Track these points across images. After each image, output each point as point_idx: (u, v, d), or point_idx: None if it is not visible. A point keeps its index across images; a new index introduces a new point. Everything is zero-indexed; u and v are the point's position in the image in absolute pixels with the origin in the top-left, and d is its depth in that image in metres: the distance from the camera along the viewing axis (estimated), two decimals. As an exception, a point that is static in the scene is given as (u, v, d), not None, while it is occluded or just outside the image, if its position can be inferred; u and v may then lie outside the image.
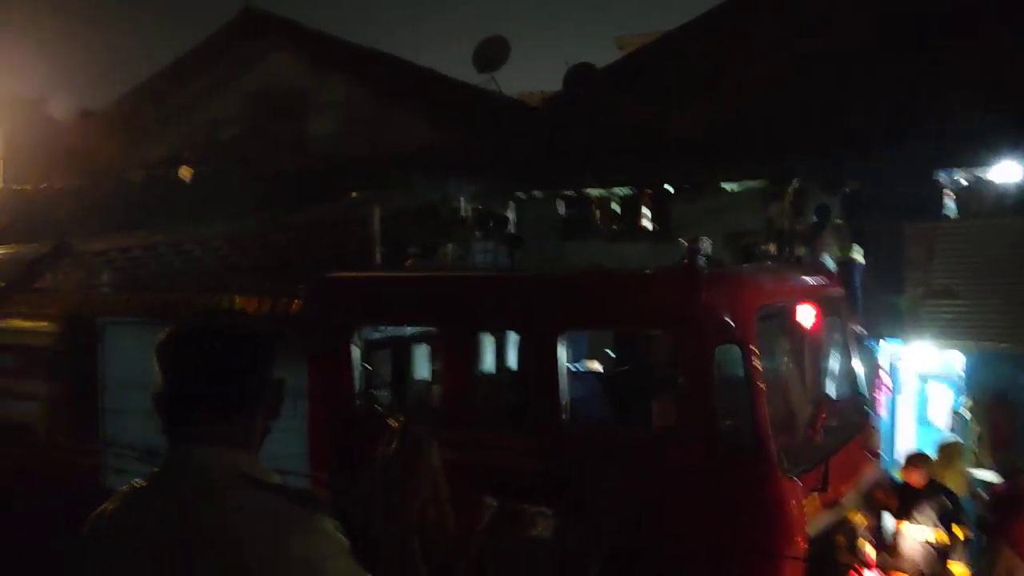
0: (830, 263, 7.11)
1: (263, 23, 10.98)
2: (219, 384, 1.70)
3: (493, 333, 5.92)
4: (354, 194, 7.08)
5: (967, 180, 8.38)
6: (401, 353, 6.26)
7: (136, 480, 1.84)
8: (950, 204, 8.45)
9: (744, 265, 5.59)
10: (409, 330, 6.14)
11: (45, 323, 6.84)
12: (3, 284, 3.48)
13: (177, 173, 9.49)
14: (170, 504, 1.61)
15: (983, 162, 8.00)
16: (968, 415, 7.32)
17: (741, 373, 4.50)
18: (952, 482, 5.56)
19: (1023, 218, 7.72)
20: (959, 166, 8.15)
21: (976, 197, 8.39)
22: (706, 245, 4.82)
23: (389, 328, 5.96)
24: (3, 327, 7.01)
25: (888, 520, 5.16)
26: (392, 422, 1.99)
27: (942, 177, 8.28)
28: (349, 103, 9.58)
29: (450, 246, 6.27)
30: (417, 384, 6.25)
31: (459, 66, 12.97)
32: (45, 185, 11.40)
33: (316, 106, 9.89)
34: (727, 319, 4.40)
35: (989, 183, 8.29)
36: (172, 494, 1.62)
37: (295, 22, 10.91)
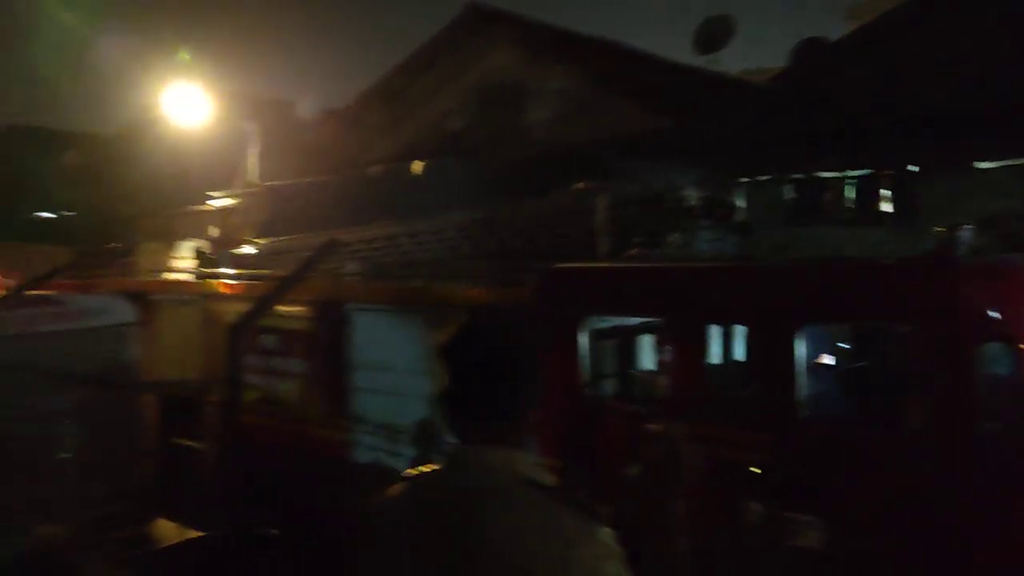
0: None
1: (487, 17, 11.33)
2: (503, 386, 1.79)
3: (723, 324, 5.78)
4: (580, 184, 7.14)
5: None
6: (626, 344, 6.28)
7: (417, 470, 1.97)
8: None
9: (1010, 254, 5.05)
10: (635, 320, 6.14)
11: (302, 308, 7.51)
12: (285, 275, 3.91)
13: (410, 167, 10.03)
14: (457, 501, 1.71)
15: None
16: None
17: (1006, 373, 4.11)
18: None
19: None
20: None
21: None
22: (966, 232, 4.42)
23: (615, 319, 5.99)
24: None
25: None
26: (653, 425, 2.00)
27: None
28: (569, 92, 9.66)
29: (676, 235, 6.15)
30: (642, 375, 6.24)
31: (680, 48, 12.69)
32: (294, 181, 12.43)
33: (537, 96, 10.07)
34: (993, 314, 4.01)
35: None
36: (459, 491, 1.73)
37: (517, 14, 11.16)
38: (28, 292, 6.19)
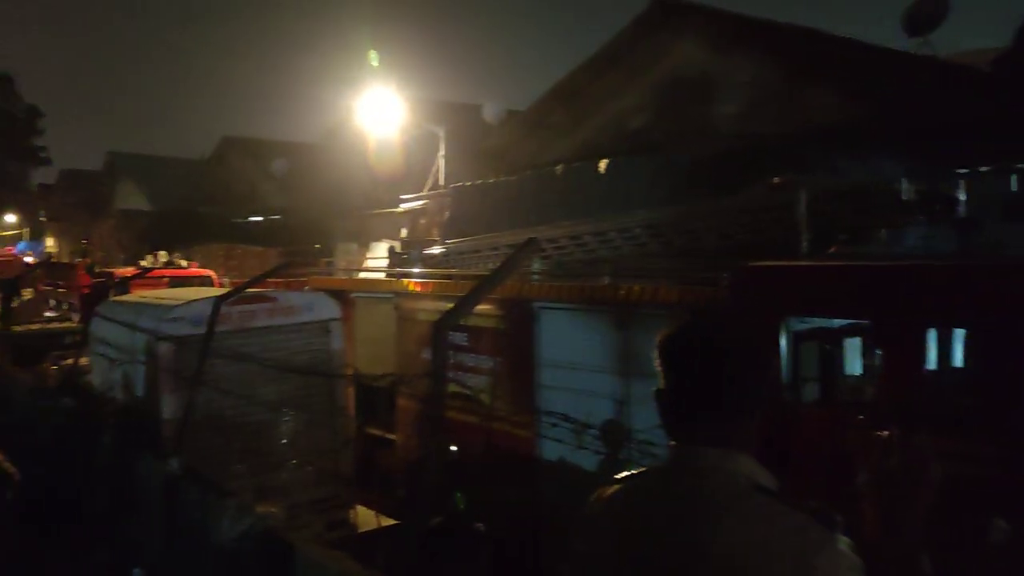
0: None
1: (672, 11, 11.09)
2: (726, 385, 1.70)
3: (942, 327, 5.32)
4: (776, 178, 6.81)
5: None
6: (830, 347, 5.92)
7: (636, 471, 1.91)
8: None
9: None
10: (838, 322, 5.78)
11: (491, 306, 7.67)
12: (486, 274, 4.00)
13: (593, 165, 10.00)
14: (683, 503, 1.64)
15: None
16: None
17: None
18: None
19: None
20: None
21: None
22: None
23: (816, 320, 5.66)
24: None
25: None
26: (883, 433, 1.84)
27: None
28: (762, 82, 9.26)
29: (883, 231, 5.72)
30: (848, 380, 5.86)
31: (884, 32, 11.87)
32: (479, 182, 12.73)
33: (727, 88, 9.73)
34: None
35: None
36: (683, 493, 1.66)
37: (704, 6, 10.84)
38: (247, 290, 6.71)
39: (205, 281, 16.00)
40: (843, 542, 1.56)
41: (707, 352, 1.73)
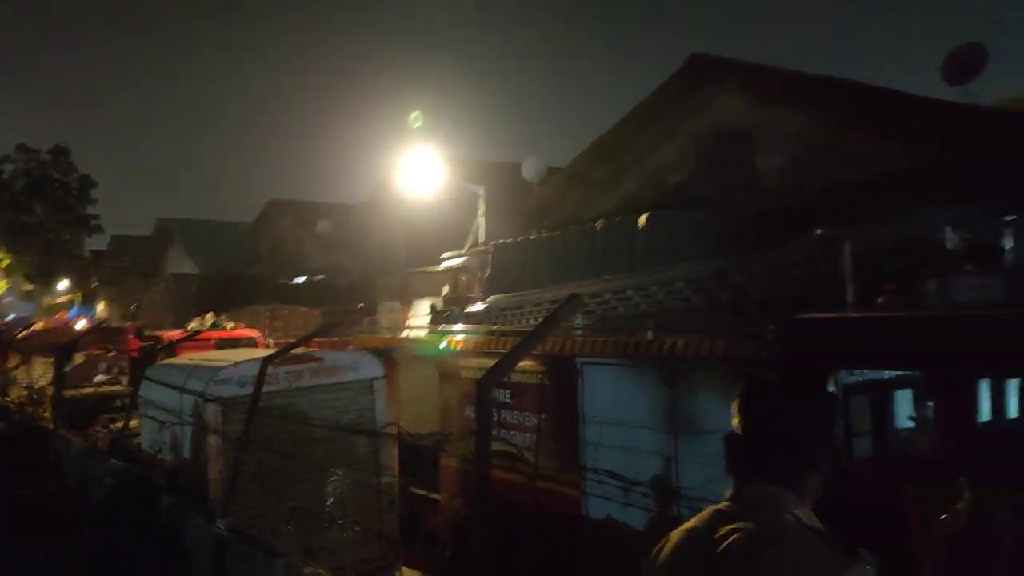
0: None
1: (710, 67, 11.21)
2: (786, 437, 1.82)
3: (994, 378, 5.19)
4: (819, 230, 6.77)
5: None
6: (880, 399, 5.80)
7: (709, 507, 1.98)
8: None
9: None
10: (888, 374, 5.67)
11: (534, 362, 7.67)
12: (529, 330, 4.01)
13: (635, 220, 10.03)
14: (740, 535, 1.74)
15: None
16: None
17: None
18: None
19: None
20: None
21: None
22: None
23: (866, 372, 5.56)
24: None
25: None
26: (949, 492, 1.85)
27: None
28: (804, 136, 9.27)
29: (931, 281, 5.64)
30: (900, 433, 5.72)
31: (923, 82, 11.84)
32: (520, 239, 12.83)
33: (766, 142, 9.75)
34: None
35: None
36: (741, 526, 1.75)
37: (741, 61, 10.95)
38: (293, 350, 6.80)
39: (250, 342, 16.24)
40: (866, 571, 1.66)
41: (772, 406, 1.89)
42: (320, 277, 25.77)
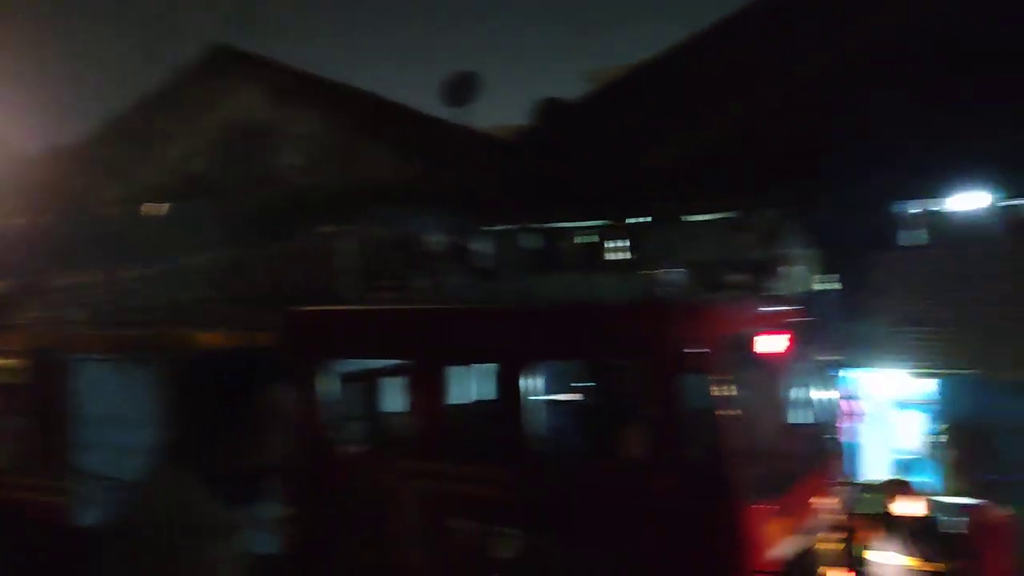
0: (799, 292, 7.21)
1: (232, 59, 11.05)
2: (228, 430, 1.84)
3: (466, 365, 5.93)
4: (324, 227, 7.11)
5: (933, 208, 8.62)
6: (374, 387, 6.25)
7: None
8: (917, 233, 8.65)
9: (711, 295, 5.67)
10: (383, 363, 6.14)
11: (15, 360, 6.78)
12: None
13: (149, 208, 9.47)
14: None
15: (950, 191, 8.24)
16: (941, 441, 7.45)
17: (708, 403, 4.56)
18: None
19: (990, 245, 7.91)
20: (927, 196, 8.39)
21: (943, 225, 8.61)
22: (673, 276, 4.91)
23: (363, 362, 5.96)
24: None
25: (867, 548, 5.19)
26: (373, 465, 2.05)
27: (910, 206, 8.51)
28: (318, 137, 9.65)
29: (421, 279, 6.29)
30: (391, 418, 6.23)
31: (434, 102, 13.08)
32: (16, 221, 11.29)
33: (285, 140, 9.94)
34: (693, 349, 4.46)
35: (956, 211, 8.53)
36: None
37: (264, 57, 10.98)
38: None
39: None
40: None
41: (211, 396, 1.83)
42: None
